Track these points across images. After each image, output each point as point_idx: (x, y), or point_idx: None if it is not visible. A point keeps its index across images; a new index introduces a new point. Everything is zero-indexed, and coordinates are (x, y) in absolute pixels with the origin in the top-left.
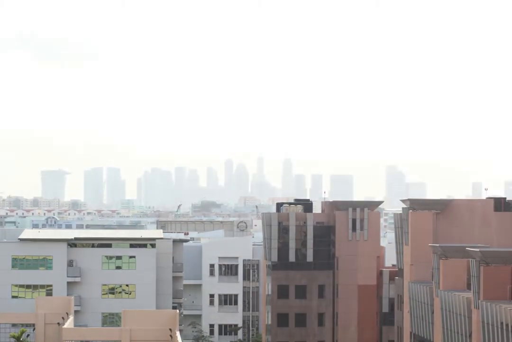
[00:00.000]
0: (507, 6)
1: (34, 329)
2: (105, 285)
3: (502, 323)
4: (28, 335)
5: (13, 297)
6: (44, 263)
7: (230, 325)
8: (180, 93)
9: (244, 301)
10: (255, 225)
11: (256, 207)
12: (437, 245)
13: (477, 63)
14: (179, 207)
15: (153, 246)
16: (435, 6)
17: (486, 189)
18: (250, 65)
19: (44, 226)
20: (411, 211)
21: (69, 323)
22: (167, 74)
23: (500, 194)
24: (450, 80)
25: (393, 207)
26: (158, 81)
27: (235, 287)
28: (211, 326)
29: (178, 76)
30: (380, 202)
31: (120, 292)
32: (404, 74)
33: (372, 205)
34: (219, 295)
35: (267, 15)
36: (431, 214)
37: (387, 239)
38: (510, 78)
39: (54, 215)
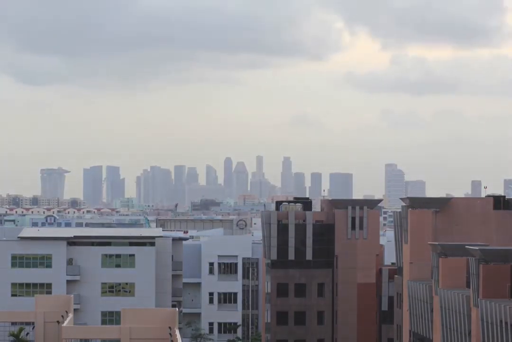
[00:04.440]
0: None
1: (33, 328)
2: (105, 283)
3: (501, 321)
4: (27, 334)
5: (13, 295)
6: (44, 261)
7: (230, 323)
8: (177, 90)
9: (243, 300)
10: (255, 223)
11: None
12: (437, 243)
13: None
14: (176, 206)
15: (152, 244)
16: None
17: (485, 187)
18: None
19: (43, 225)
20: (410, 209)
21: (68, 322)
22: None
23: (499, 192)
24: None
25: (392, 205)
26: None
27: (234, 285)
28: (211, 324)
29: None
30: (379, 200)
31: (119, 291)
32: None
33: (372, 203)
34: (219, 294)
35: None
36: (430, 212)
37: (387, 237)
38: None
39: (53, 213)
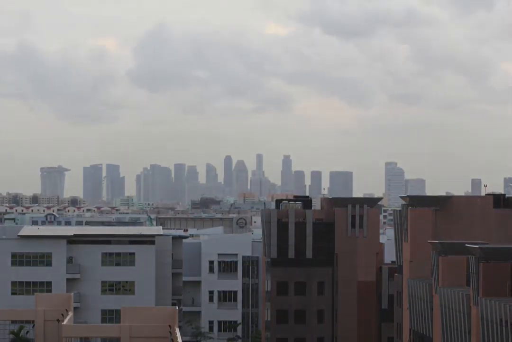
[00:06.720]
0: None
1: (33, 326)
2: (105, 282)
3: (501, 320)
4: (27, 332)
5: (13, 293)
6: (44, 259)
7: (230, 322)
8: (175, 86)
9: (243, 298)
10: (255, 222)
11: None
12: (436, 241)
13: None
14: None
15: (152, 242)
16: None
17: (485, 186)
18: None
19: (43, 223)
20: (410, 207)
21: (68, 320)
22: None
23: (499, 190)
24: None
25: (392, 203)
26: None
27: (234, 283)
28: (211, 322)
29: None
30: (380, 199)
31: (119, 289)
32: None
33: (372, 202)
34: (219, 292)
35: None
36: (430, 211)
37: (387, 236)
38: None
39: (53, 212)
